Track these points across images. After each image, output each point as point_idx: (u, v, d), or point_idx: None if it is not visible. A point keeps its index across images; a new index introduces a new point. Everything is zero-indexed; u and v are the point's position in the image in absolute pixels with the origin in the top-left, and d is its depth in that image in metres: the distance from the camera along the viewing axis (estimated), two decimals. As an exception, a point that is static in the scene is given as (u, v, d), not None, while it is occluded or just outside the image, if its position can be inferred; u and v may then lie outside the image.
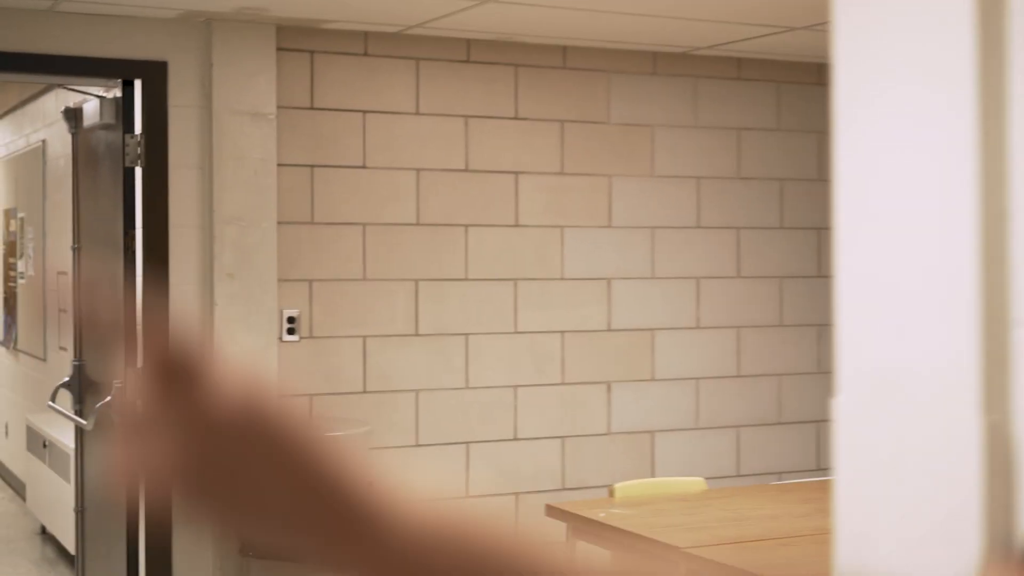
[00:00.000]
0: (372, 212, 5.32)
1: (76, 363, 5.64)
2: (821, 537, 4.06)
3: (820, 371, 6.14)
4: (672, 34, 5.48)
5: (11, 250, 9.22)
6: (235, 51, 5.02)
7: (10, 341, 9.27)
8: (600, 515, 4.22)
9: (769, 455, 6.09)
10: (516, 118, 5.58)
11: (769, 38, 5.53)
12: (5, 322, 9.39)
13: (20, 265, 8.88)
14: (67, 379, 5.67)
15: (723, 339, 5.97)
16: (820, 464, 6.15)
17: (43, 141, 8.19)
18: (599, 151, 5.74)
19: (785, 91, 6.11)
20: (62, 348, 7.58)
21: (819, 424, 6.17)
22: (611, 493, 4.65)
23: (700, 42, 5.65)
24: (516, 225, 5.54)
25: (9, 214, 9.31)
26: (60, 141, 7.63)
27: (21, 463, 8.54)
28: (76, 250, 5.70)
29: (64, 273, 7.52)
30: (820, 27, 5.25)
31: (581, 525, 4.26)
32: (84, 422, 5.16)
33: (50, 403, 5.68)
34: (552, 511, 4.41)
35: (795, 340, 6.08)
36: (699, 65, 5.92)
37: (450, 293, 5.44)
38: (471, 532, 0.69)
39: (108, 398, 5.02)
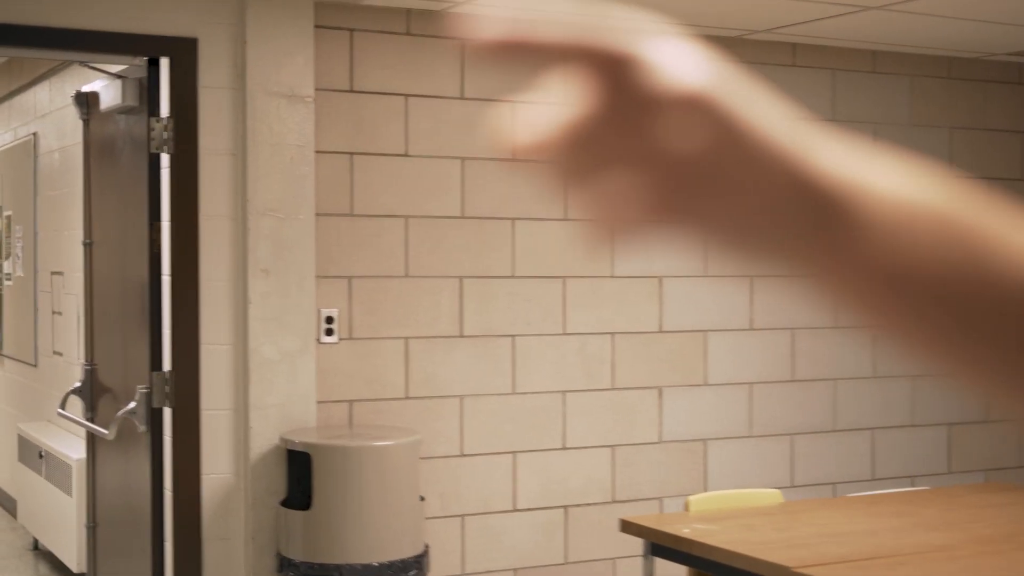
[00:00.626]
0: (415, 204, 4.94)
1: (88, 367, 5.23)
2: (933, 556, 3.73)
3: (876, 375, 5.82)
4: (728, 15, 5.14)
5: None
6: (270, 28, 4.63)
7: (-6, 346, 8.81)
8: (684, 531, 3.87)
9: (824, 464, 5.75)
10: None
11: (826, 21, 5.20)
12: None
13: (7, 266, 8.42)
14: (78, 385, 5.26)
15: (777, 341, 5.63)
16: (876, 474, 5.83)
17: (33, 134, 7.75)
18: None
19: (840, 79, 5.79)
20: (56, 353, 7.14)
21: (874, 431, 5.85)
22: (686, 507, 4.30)
23: (757, 25, 5.32)
24: (565, 219, 5.18)
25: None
26: (55, 133, 7.20)
27: (9, 475, 8.08)
28: (88, 246, 5.29)
29: (59, 273, 7.09)
30: (896, 7, 4.93)
31: (662, 541, 3.90)
32: (105, 431, 4.74)
33: (60, 411, 5.26)
34: (629, 526, 4.05)
35: (850, 343, 5.74)
36: (752, 50, 5.58)
37: (496, 291, 5.07)
38: (948, 220, 0.60)
39: (132, 404, 4.61)
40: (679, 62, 0.56)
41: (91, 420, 5.12)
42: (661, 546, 3.93)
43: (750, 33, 5.46)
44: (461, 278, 5.01)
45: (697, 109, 0.56)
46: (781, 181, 0.57)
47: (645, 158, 0.56)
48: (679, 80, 0.55)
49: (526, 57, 0.57)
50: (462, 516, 5.00)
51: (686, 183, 0.56)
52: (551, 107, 0.57)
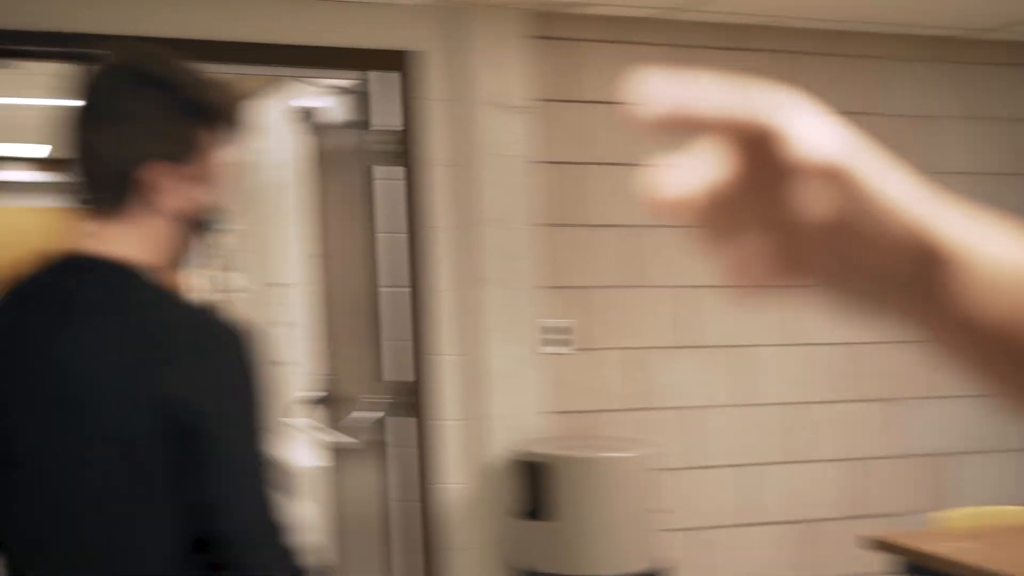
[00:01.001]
0: (641, 213, 4.87)
1: (322, 377, 5.33)
2: None
3: None
4: (947, 15, 4.92)
5: (221, 263, 9.04)
6: (492, 40, 4.63)
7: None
8: (945, 549, 3.68)
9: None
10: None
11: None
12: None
13: (235, 279, 8.68)
14: (311, 394, 5.37)
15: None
16: None
17: (258, 149, 7.97)
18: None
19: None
20: (286, 363, 7.32)
21: None
22: (939, 523, 4.11)
23: (975, 24, 5.07)
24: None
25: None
26: (278, 148, 7.37)
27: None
28: (317, 257, 5.39)
29: (280, 285, 7.26)
30: None
31: (919, 560, 3.73)
32: (345, 439, 4.81)
33: (299, 419, 5.37)
34: (881, 544, 3.88)
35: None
36: (971, 51, 5.33)
37: (727, 301, 4.95)
38: None
39: (366, 414, 4.66)
40: (814, 133, 0.60)
41: (327, 429, 5.22)
42: (916, 564, 3.76)
43: (972, 32, 5.21)
44: (690, 287, 4.91)
45: (829, 177, 0.60)
46: (903, 245, 0.62)
47: (780, 222, 0.61)
48: (813, 150, 0.60)
49: (683, 129, 0.60)
50: (692, 530, 4.90)
51: (817, 246, 0.62)
52: (698, 170, 0.61)
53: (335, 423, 5.07)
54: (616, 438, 4.70)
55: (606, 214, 4.84)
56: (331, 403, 5.18)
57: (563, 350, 4.74)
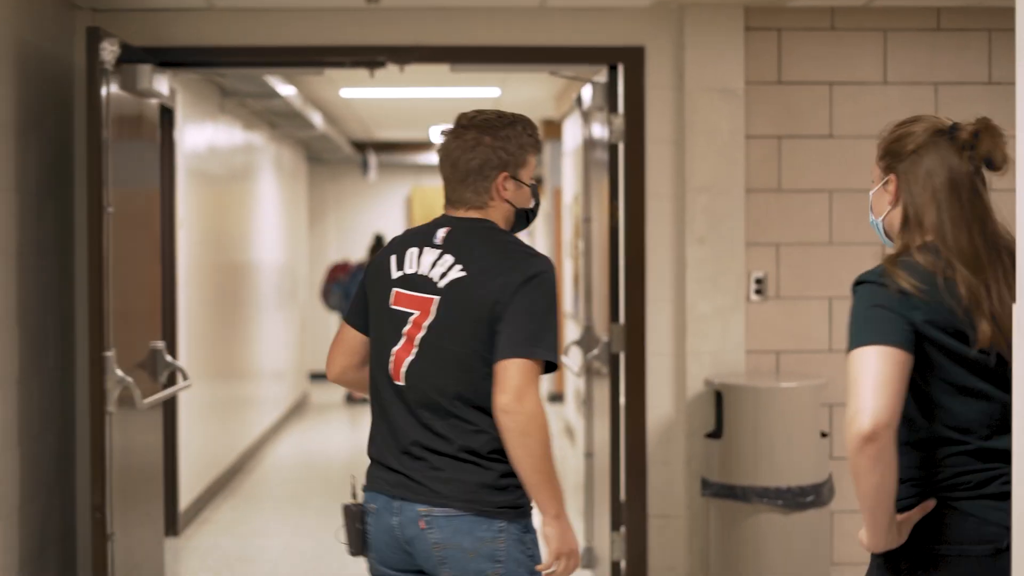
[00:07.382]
0: (838, 179, 5.54)
1: (585, 324, 6.34)
2: None
3: None
4: None
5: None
6: (705, 33, 5.45)
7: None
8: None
9: None
10: (989, 83, 5.57)
11: None
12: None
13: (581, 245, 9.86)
14: (576, 339, 6.38)
15: None
16: None
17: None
18: None
19: None
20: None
21: None
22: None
23: None
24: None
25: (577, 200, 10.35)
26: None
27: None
28: (586, 222, 6.38)
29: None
30: None
31: None
32: (598, 367, 5.80)
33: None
34: None
35: None
36: None
37: (918, 257, 5.51)
38: None
39: (595, 351, 5.66)
40: None
41: (582, 359, 6.24)
42: None
43: None
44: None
45: None
46: None
47: None
48: None
49: None
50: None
51: None
52: None
53: (587, 355, 6.06)
54: (798, 373, 5.43)
55: (811, 180, 5.54)
56: (590, 343, 6.18)
57: (762, 298, 5.51)
